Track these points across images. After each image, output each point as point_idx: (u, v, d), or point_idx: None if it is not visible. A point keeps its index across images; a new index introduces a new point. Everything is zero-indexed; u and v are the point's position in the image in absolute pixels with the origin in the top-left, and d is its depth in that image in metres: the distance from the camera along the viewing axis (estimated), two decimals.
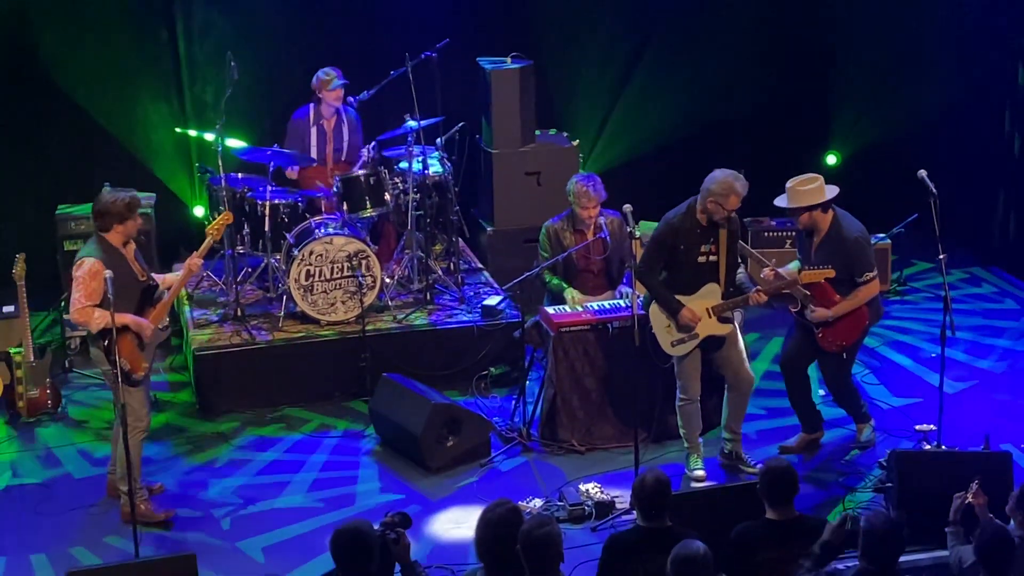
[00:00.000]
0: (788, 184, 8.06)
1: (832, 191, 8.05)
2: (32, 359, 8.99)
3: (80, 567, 6.72)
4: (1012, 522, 6.13)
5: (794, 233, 10.77)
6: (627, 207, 8.10)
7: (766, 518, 6.22)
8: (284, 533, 7.76)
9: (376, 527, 5.74)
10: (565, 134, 11.16)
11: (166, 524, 7.81)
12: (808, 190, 7.98)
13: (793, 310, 8.21)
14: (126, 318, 7.48)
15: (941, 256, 7.94)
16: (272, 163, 9.75)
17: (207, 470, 8.47)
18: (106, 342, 7.44)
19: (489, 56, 10.88)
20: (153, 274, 7.88)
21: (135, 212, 7.59)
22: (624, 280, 8.87)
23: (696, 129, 11.82)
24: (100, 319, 7.38)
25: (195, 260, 7.86)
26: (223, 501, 8.11)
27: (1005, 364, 9.74)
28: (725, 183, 7.75)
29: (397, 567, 5.92)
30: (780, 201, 8.11)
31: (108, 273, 7.32)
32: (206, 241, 8.00)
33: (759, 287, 8.02)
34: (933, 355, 9.55)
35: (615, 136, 11.84)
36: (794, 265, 8.25)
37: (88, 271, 7.43)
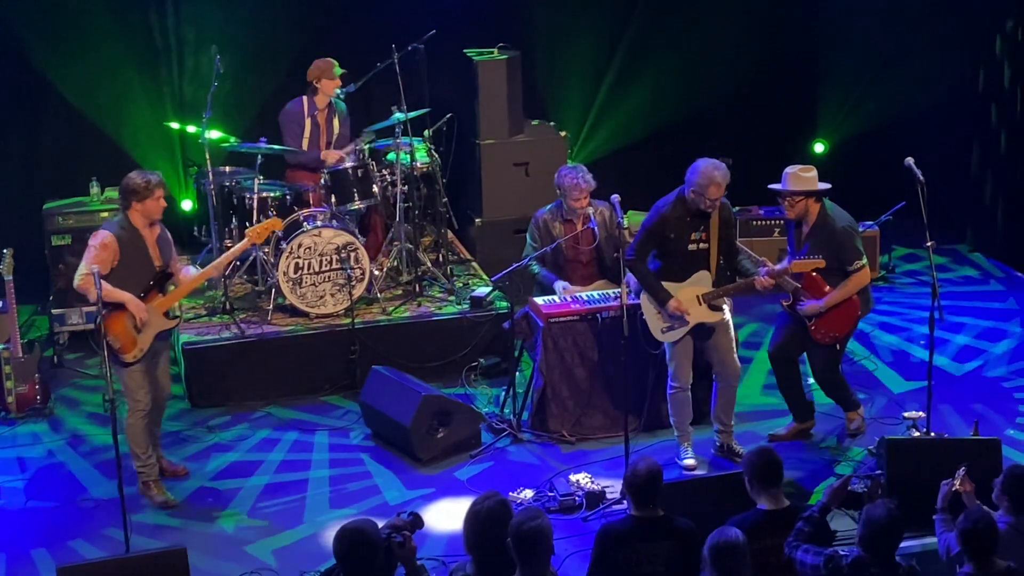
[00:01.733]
0: (788, 170, 8.09)
1: (824, 185, 8.09)
2: (20, 354, 8.97)
3: (70, 563, 6.69)
4: (1000, 509, 6.15)
5: (782, 221, 10.79)
6: (615, 197, 8.10)
7: (758, 508, 6.25)
8: (278, 523, 7.76)
9: (383, 527, 5.70)
10: (552, 124, 11.15)
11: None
12: (808, 177, 8.05)
13: (785, 304, 8.22)
14: (123, 295, 7.51)
15: (929, 243, 7.96)
16: (260, 157, 9.71)
17: (197, 462, 8.46)
18: (99, 319, 7.46)
19: (476, 47, 10.86)
20: (181, 265, 7.93)
21: (154, 192, 7.63)
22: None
23: (684, 118, 11.82)
24: (98, 289, 7.37)
25: (220, 264, 8.05)
26: (213, 492, 8.11)
27: (995, 349, 9.78)
28: (704, 173, 7.77)
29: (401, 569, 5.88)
30: (778, 185, 8.13)
31: (95, 268, 7.35)
32: (243, 242, 8.13)
33: (767, 271, 7.98)
34: (922, 342, 9.57)
35: (602, 126, 11.84)
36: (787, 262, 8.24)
37: (100, 242, 7.56)
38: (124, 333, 7.57)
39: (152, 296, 7.65)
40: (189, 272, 7.91)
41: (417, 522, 5.82)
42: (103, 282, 7.36)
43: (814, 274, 8.02)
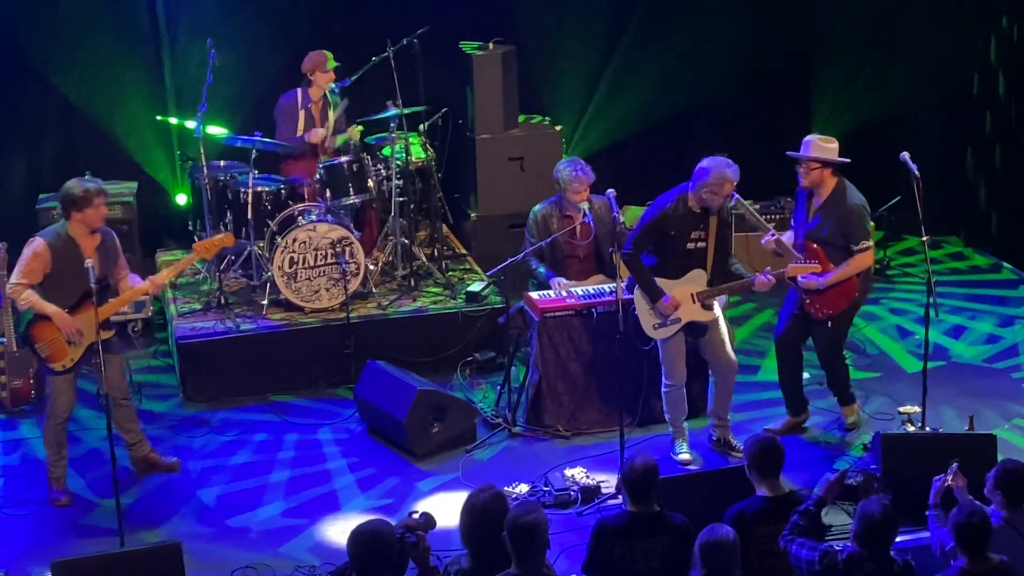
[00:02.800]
0: (809, 138, 8.10)
1: (844, 160, 8.09)
2: (14, 349, 8.95)
3: (65, 558, 6.68)
4: (993, 504, 6.15)
5: (778, 216, 10.80)
6: (611, 191, 8.10)
7: (758, 495, 6.26)
8: (272, 519, 7.76)
9: (396, 527, 5.68)
10: (547, 119, 11.14)
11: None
12: (829, 147, 8.06)
13: (787, 278, 8.16)
14: (49, 308, 7.51)
15: (924, 238, 7.96)
16: (257, 149, 9.69)
17: (191, 457, 8.44)
18: (27, 328, 7.59)
19: (471, 41, 10.85)
20: (126, 273, 7.83)
21: (93, 201, 7.55)
22: None
23: (678, 113, 11.82)
24: (26, 301, 7.51)
25: (159, 280, 7.89)
26: (208, 486, 8.10)
27: (989, 343, 9.80)
28: (718, 172, 7.77)
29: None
30: (795, 152, 8.12)
31: (89, 262, 7.35)
32: (188, 256, 8.02)
33: (767, 271, 7.98)
34: (918, 337, 9.58)
35: (598, 120, 11.82)
36: (788, 237, 8.25)
37: (32, 250, 7.56)
38: (53, 342, 7.60)
39: (86, 306, 7.52)
40: (134, 282, 7.82)
41: (430, 522, 5.81)
42: (31, 292, 7.47)
43: (818, 250, 8.01)
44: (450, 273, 10.15)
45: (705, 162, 7.86)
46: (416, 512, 5.87)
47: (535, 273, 8.88)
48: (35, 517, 7.82)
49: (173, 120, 10.62)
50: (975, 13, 11.57)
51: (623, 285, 8.00)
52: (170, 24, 10.93)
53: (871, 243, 8.13)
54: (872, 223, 8.25)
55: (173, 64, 10.98)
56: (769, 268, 8.05)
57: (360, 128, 10.09)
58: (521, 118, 11.04)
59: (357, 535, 5.51)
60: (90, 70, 10.90)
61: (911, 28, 11.76)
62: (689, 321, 8.01)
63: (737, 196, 8.03)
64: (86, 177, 8.04)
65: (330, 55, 9.96)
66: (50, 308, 7.52)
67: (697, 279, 7.98)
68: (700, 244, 7.95)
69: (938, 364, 9.29)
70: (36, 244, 7.57)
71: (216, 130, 9.94)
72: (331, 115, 10.13)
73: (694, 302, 7.98)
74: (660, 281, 7.97)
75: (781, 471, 6.33)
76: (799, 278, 8.10)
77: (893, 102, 11.79)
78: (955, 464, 6.36)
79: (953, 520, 5.76)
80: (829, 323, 8.18)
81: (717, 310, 8.11)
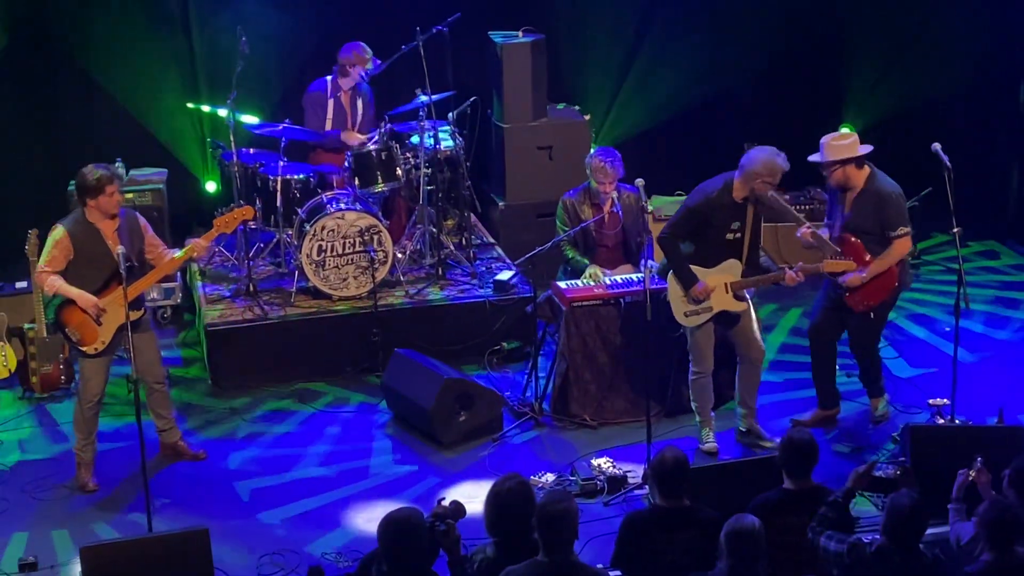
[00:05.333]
0: (824, 139, 8.05)
1: (866, 148, 8.02)
2: (45, 335, 9.00)
3: (94, 542, 6.72)
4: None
5: (809, 207, 10.75)
6: (639, 181, 8.07)
7: (783, 487, 6.24)
8: (301, 505, 7.79)
9: (427, 517, 5.69)
10: (576, 107, 11.11)
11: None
12: (843, 145, 7.99)
13: (824, 271, 8.11)
14: (72, 291, 7.60)
15: (955, 230, 7.89)
16: (285, 138, 9.72)
17: (221, 444, 8.48)
18: (57, 313, 7.67)
19: (500, 30, 10.83)
20: (164, 250, 7.91)
21: (105, 189, 7.63)
22: (648, 253, 8.77)
23: (707, 102, 11.77)
24: (50, 287, 7.62)
25: (184, 254, 7.92)
26: (239, 475, 8.14)
27: (1021, 336, 9.71)
28: (770, 163, 7.75)
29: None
30: (815, 157, 8.09)
31: (121, 249, 7.41)
32: (210, 232, 8.09)
33: (800, 266, 7.94)
34: (947, 328, 9.52)
35: (626, 109, 11.78)
36: (823, 232, 8.19)
37: (53, 239, 7.67)
38: (83, 325, 7.68)
39: (113, 288, 7.62)
40: (171, 255, 7.92)
41: (460, 510, 5.82)
42: (56, 278, 7.58)
43: (854, 240, 7.95)
44: (478, 262, 10.15)
45: (755, 152, 7.83)
46: (445, 500, 5.87)
47: (572, 261, 8.85)
48: (64, 502, 7.87)
49: (206, 108, 10.64)
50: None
51: (652, 273, 7.99)
52: (201, 11, 10.96)
53: (908, 228, 8.03)
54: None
55: (204, 51, 11.01)
56: (801, 263, 8.01)
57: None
58: (560, 106, 11.02)
59: (388, 523, 5.52)
60: (122, 57, 10.93)
61: (943, 14, 11.64)
62: (720, 310, 7.99)
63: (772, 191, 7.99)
64: (113, 164, 8.09)
65: (370, 54, 9.98)
66: (73, 291, 7.61)
67: (731, 269, 7.95)
68: (738, 235, 7.92)
69: (969, 357, 9.23)
70: (57, 232, 7.67)
71: (247, 118, 9.96)
72: (360, 105, 10.13)
73: (727, 292, 7.95)
74: (695, 268, 7.95)
75: (812, 470, 6.29)
76: (840, 277, 8.03)
77: (926, 89, 11.68)
78: (979, 459, 6.31)
79: (984, 515, 5.72)
80: (871, 314, 8.12)
81: (748, 300, 8.08)
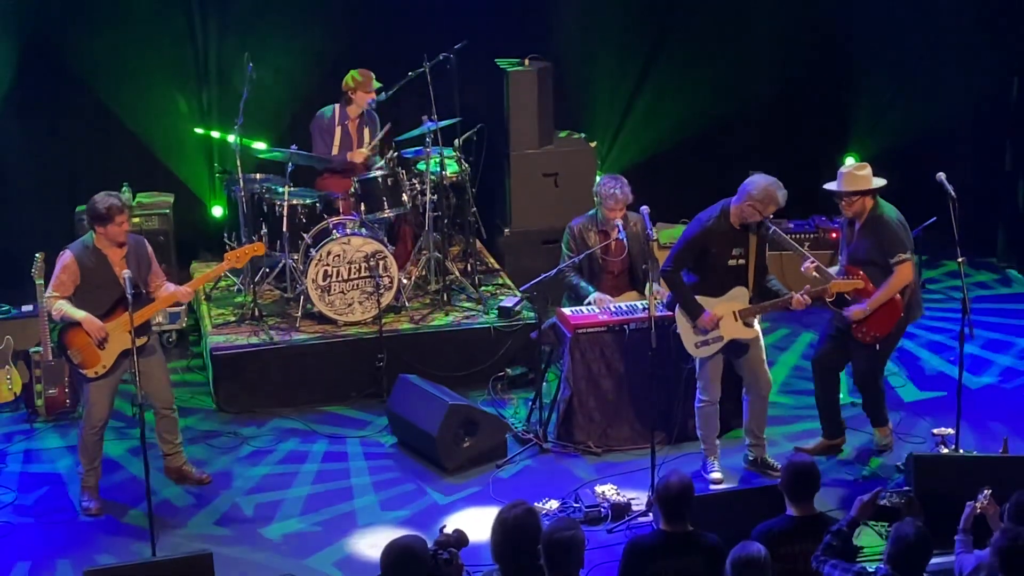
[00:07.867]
0: (844, 169, 8.07)
1: (880, 181, 8.06)
2: (50, 358, 9.01)
3: (97, 567, 6.72)
4: None
5: (813, 235, 10.77)
6: (645, 208, 8.09)
7: (787, 515, 6.24)
8: (300, 528, 7.79)
9: (430, 545, 5.68)
10: (583, 135, 11.15)
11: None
12: (863, 175, 8.02)
13: (829, 300, 8.11)
14: (78, 314, 7.64)
15: (960, 259, 7.90)
16: (293, 163, 9.74)
17: (226, 468, 8.48)
18: (60, 335, 7.75)
19: (507, 57, 10.88)
20: (162, 282, 7.95)
21: (115, 218, 7.66)
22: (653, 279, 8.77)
23: (713, 130, 11.79)
24: (57, 312, 7.69)
25: (191, 287, 8.04)
26: (240, 497, 8.14)
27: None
28: (768, 191, 7.74)
29: None
30: (831, 185, 8.10)
31: (127, 273, 7.43)
32: (221, 265, 8.17)
33: (805, 290, 7.96)
34: (951, 358, 9.52)
35: (632, 137, 11.82)
36: (836, 271, 8.20)
37: (61, 264, 7.74)
38: (85, 348, 7.71)
39: (118, 313, 7.66)
40: (168, 289, 7.93)
41: (462, 539, 5.82)
42: (63, 302, 7.65)
43: (860, 274, 7.96)
44: (483, 288, 10.17)
45: (756, 177, 7.83)
46: (447, 527, 5.87)
47: (577, 288, 8.86)
48: (67, 525, 7.86)
49: (215, 134, 10.68)
50: (1011, 27, 11.48)
51: (661, 303, 7.98)
52: (209, 38, 11.01)
53: (908, 255, 8.03)
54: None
55: (212, 77, 11.06)
56: (808, 287, 8.01)
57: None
58: (563, 134, 11.05)
59: (390, 550, 5.52)
60: (129, 81, 10.97)
61: (948, 45, 11.68)
62: (731, 339, 7.99)
63: (773, 227, 7.98)
64: (117, 192, 8.12)
65: (373, 76, 10.01)
66: (80, 314, 7.65)
67: (739, 296, 7.95)
68: (741, 261, 7.91)
69: (972, 385, 9.24)
70: (65, 257, 7.72)
71: (255, 145, 9.99)
72: (367, 133, 10.17)
73: (736, 320, 7.95)
74: (701, 299, 7.94)
75: (812, 496, 6.29)
76: (844, 310, 8.03)
77: (931, 119, 11.71)
78: (987, 491, 6.30)
79: (997, 544, 5.69)
80: (877, 346, 8.12)
81: (756, 327, 8.08)
